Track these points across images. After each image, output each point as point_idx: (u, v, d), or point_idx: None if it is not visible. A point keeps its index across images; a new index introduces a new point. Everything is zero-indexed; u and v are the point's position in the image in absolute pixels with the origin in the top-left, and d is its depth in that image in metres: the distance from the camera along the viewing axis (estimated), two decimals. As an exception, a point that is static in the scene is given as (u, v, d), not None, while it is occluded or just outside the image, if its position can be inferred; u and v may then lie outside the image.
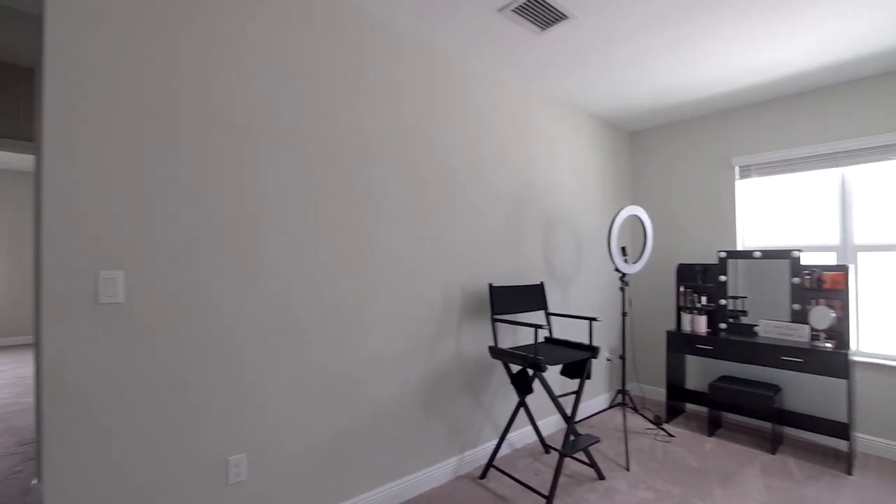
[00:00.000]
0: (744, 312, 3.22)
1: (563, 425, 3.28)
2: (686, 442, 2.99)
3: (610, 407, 3.22)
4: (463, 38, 2.43)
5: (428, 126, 2.43)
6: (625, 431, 2.77)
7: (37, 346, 2.33)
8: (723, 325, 3.29)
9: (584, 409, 3.46)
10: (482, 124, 2.73)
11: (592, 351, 2.44)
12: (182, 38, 1.63)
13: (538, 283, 2.92)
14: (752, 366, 3.28)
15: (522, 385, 2.38)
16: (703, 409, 3.59)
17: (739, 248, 3.45)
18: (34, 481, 2.28)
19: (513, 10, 2.16)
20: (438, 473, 2.43)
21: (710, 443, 2.98)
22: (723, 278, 3.31)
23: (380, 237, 2.20)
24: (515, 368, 2.84)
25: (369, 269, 2.16)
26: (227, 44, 1.73)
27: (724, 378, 3.24)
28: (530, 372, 2.46)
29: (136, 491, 1.51)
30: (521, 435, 2.95)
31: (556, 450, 2.69)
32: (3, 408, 3.80)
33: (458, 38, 2.43)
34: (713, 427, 3.13)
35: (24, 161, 5.92)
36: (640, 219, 3.04)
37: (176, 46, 1.61)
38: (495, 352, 2.40)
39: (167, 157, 1.59)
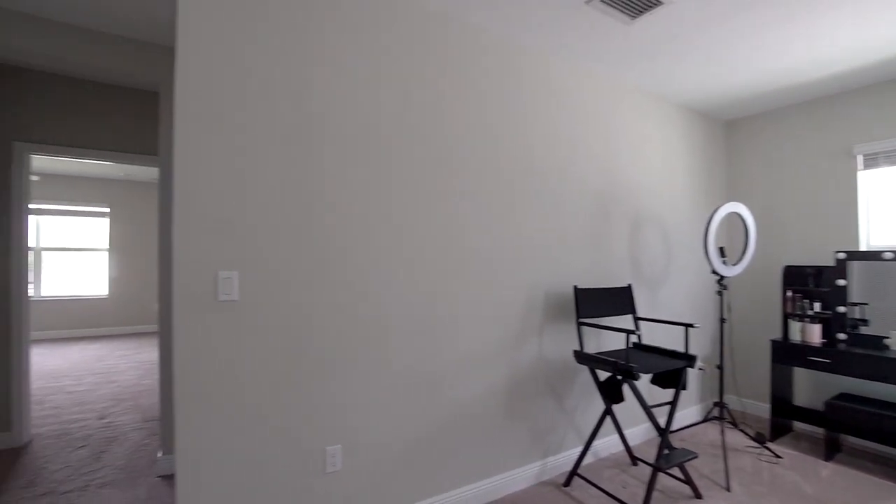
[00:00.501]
0: (864, 321, 2.82)
1: (651, 436, 3.09)
2: (797, 465, 2.68)
3: (704, 420, 2.97)
4: (548, 34, 2.36)
5: (512, 124, 2.40)
6: (723, 448, 2.54)
7: (161, 336, 2.63)
8: (842, 336, 2.90)
9: (675, 421, 3.23)
10: (567, 120, 2.64)
11: (689, 360, 2.27)
12: (286, 63, 1.75)
13: (626, 285, 2.77)
14: (880, 383, 2.86)
15: (612, 393, 2.27)
16: (816, 430, 3.19)
17: (863, 247, 3.02)
18: (159, 454, 2.58)
19: (601, 1, 2.06)
20: (520, 478, 2.39)
21: (828, 468, 2.64)
22: (841, 282, 2.92)
23: (464, 238, 2.21)
24: (603, 375, 2.71)
25: (453, 270, 2.17)
26: (324, 63, 1.84)
27: (844, 396, 2.85)
28: (619, 378, 2.33)
29: (249, 470, 1.65)
30: (606, 444, 2.82)
31: (645, 462, 2.54)
32: (130, 388, 4.36)
33: (542, 34, 2.37)
34: (831, 451, 2.77)
35: (143, 172, 6.73)
36: (740, 216, 2.77)
37: (281, 70, 1.74)
38: (581, 357, 2.32)
39: (273, 168, 1.72)
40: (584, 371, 2.71)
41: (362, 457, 1.90)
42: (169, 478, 2.54)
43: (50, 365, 5.22)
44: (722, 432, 2.61)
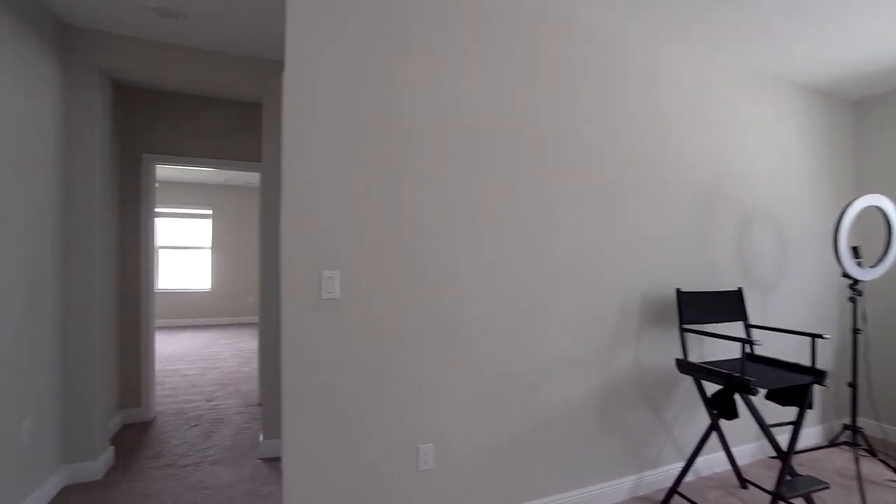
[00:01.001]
0: None
1: (760, 457, 2.77)
2: (958, 507, 2.24)
3: (830, 445, 2.60)
4: (648, 15, 2.19)
5: (608, 115, 2.26)
6: (858, 479, 2.20)
7: (260, 327, 2.83)
8: None
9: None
10: (668, 108, 2.43)
11: (817, 375, 1.99)
12: (383, 71, 1.78)
13: (735, 288, 2.50)
14: None
15: (723, 408, 2.05)
16: (981, 465, 2.65)
17: None
18: (261, 438, 2.79)
19: (715, -27, 1.86)
20: (613, 491, 2.25)
21: None
22: None
23: (557, 237, 2.12)
24: (711, 387, 2.48)
25: (546, 270, 2.09)
26: (418, 66, 1.85)
27: None
28: (732, 393, 2.11)
29: (348, 462, 1.70)
30: (709, 462, 2.57)
31: (757, 486, 2.27)
32: (231, 374, 4.78)
33: (642, 16, 2.20)
34: None
35: (241, 177, 7.37)
36: (882, 211, 2.37)
37: (382, 82, 1.77)
38: (686, 366, 2.12)
39: (371, 172, 1.76)
40: (685, 381, 2.48)
41: (454, 457, 1.90)
42: (269, 460, 2.73)
43: (166, 350, 5.89)
44: (856, 461, 2.26)
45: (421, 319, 1.83)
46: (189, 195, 7.83)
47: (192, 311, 7.86)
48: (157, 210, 7.64)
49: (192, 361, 5.29)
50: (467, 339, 1.92)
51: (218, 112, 3.53)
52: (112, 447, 2.69)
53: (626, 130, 2.31)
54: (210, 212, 8.00)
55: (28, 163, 2.05)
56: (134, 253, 3.30)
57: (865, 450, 2.57)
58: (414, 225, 1.83)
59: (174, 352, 5.80)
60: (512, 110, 2.03)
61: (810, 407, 2.03)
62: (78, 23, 2.37)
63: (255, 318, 8.25)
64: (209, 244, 8.02)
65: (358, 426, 1.72)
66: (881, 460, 2.45)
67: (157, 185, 7.57)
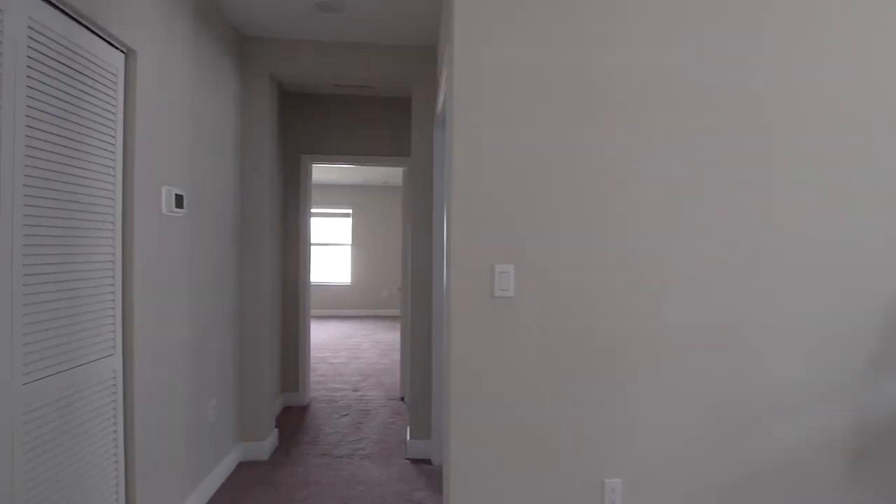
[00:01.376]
0: None
1: None
2: None
3: None
4: None
5: (857, 68, 1.63)
6: None
7: (404, 322, 2.75)
8: None
9: None
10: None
11: None
12: (559, 49, 1.48)
13: None
14: None
15: None
16: None
17: None
18: (408, 437, 2.72)
19: None
20: (871, 574, 1.63)
21: None
22: None
23: (786, 226, 1.59)
24: None
25: (768, 272, 1.58)
26: (600, 41, 1.50)
27: None
28: None
29: (518, 486, 1.45)
30: None
31: None
32: (373, 365, 4.96)
33: None
34: None
35: (378, 177, 7.74)
36: None
37: (555, 57, 1.48)
38: None
39: (548, 160, 1.49)
40: None
41: (646, 499, 1.52)
42: (416, 461, 2.64)
43: (314, 339, 6.44)
44: None
45: (609, 326, 1.49)
46: (331, 196, 8.51)
47: (334, 303, 8.55)
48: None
49: (337, 350, 5.66)
50: (668, 355, 1.52)
51: (365, 110, 3.59)
52: (276, 430, 2.87)
53: (882, 80, 1.65)
54: (350, 211, 8.61)
55: (221, 167, 2.22)
56: (294, 249, 3.54)
57: None
58: (598, 220, 1.50)
59: (321, 340, 6.30)
60: (718, 77, 1.56)
61: None
62: (250, 32, 2.53)
63: (390, 311, 8.63)
64: (349, 241, 8.64)
65: (532, 446, 1.46)
66: None
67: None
